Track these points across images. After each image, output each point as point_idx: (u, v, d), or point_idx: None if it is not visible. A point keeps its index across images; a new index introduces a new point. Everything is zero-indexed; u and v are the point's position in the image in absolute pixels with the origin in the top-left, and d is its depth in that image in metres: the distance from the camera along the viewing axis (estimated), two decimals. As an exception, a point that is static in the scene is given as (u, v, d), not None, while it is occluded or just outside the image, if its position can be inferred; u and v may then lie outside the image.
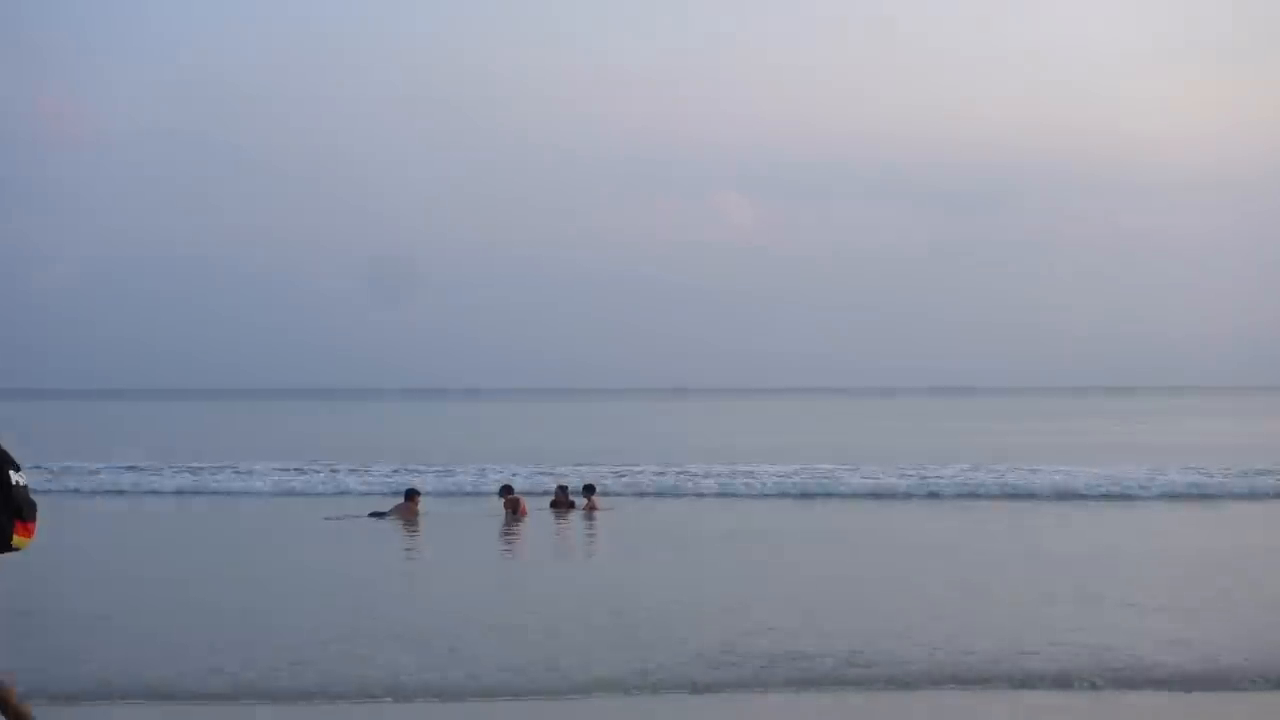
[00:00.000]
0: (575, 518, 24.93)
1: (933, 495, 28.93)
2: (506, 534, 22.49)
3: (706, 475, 31.79)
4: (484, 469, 33.30)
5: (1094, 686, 10.68)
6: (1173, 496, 28.28)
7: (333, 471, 33.24)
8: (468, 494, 29.70)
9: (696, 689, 10.68)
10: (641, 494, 29.58)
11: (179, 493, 30.60)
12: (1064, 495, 28.43)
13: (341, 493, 29.86)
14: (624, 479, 31.36)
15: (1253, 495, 28.49)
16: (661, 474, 32.45)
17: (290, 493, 30.38)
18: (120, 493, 30.77)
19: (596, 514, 25.33)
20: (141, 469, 34.17)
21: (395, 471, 33.13)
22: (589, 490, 26.45)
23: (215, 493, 30.46)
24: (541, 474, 31.68)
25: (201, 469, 33.98)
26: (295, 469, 33.79)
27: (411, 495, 25.39)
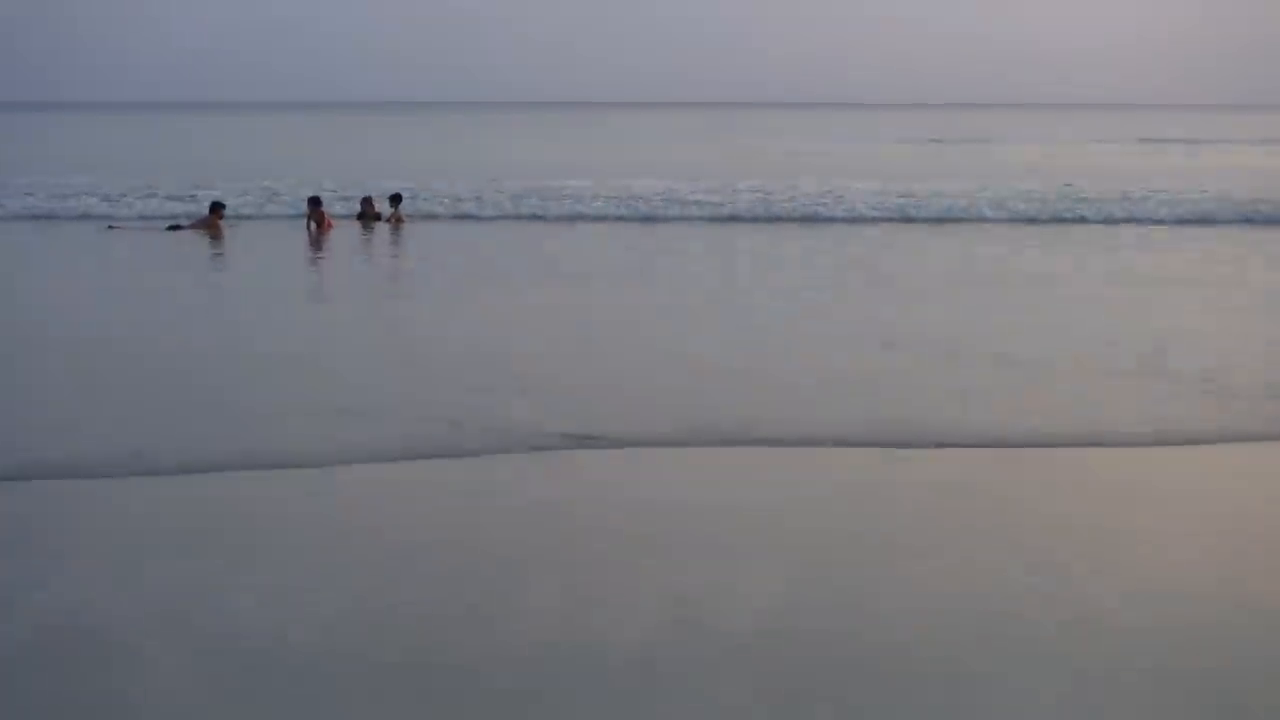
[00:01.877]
0: (380, 231, 24.08)
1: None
2: (308, 249, 21.65)
3: (517, 195, 30.25)
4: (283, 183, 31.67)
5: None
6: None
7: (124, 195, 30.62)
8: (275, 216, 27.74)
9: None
10: (459, 215, 27.68)
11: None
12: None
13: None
14: (430, 200, 29.21)
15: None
16: (482, 195, 30.37)
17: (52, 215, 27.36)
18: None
19: (402, 228, 24.49)
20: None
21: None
22: (395, 200, 25.37)
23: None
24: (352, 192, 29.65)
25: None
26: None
27: (215, 208, 24.18)
